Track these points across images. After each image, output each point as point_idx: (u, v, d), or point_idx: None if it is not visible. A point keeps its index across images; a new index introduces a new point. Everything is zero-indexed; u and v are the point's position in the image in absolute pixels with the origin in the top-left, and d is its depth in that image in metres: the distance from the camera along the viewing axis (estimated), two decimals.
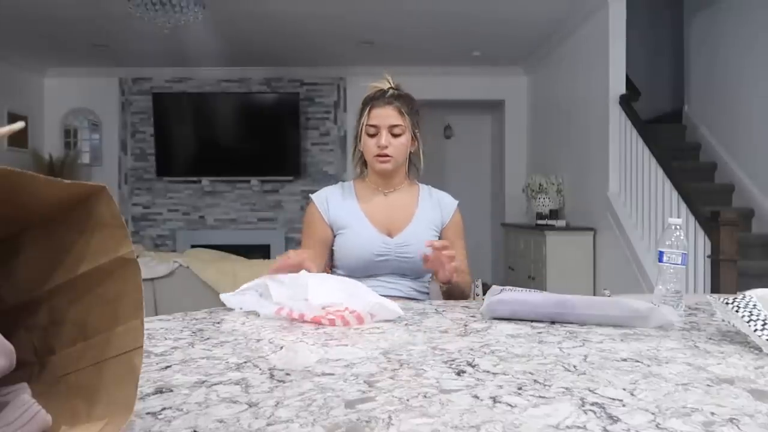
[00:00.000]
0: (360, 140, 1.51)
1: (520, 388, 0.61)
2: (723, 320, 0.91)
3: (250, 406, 0.56)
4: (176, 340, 0.86)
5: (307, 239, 1.51)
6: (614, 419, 0.52)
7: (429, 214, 1.53)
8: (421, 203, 1.54)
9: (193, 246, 5.69)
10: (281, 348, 0.81)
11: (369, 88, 1.53)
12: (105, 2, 4.16)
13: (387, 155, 1.45)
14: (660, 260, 1.14)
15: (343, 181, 1.63)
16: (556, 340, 0.85)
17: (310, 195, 1.56)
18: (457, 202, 1.58)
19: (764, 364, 0.73)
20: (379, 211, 1.50)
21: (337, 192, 1.54)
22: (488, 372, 0.68)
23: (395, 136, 1.46)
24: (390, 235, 1.47)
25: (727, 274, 2.84)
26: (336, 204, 1.51)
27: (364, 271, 1.45)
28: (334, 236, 1.50)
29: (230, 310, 1.12)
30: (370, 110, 1.47)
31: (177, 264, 3.36)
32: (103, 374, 0.46)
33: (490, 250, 6.67)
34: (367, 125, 1.46)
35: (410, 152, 1.53)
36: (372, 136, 1.46)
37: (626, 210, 3.94)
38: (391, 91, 1.50)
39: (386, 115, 1.45)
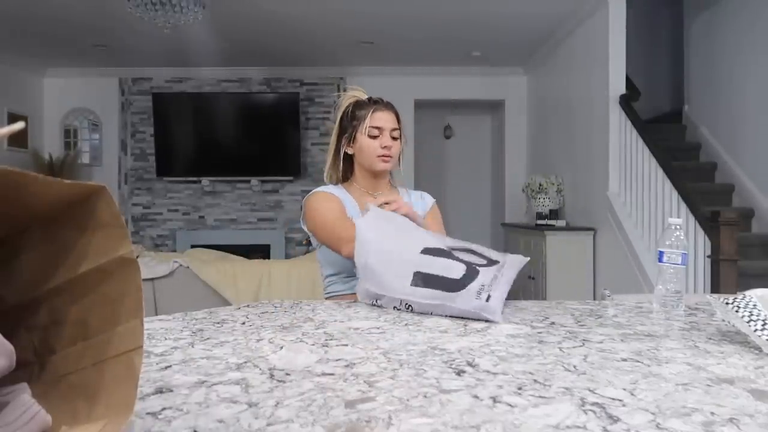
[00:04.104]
0: (349, 142, 1.55)
1: (520, 388, 0.61)
2: (723, 320, 0.91)
3: (250, 406, 0.56)
4: (176, 340, 0.86)
5: (343, 213, 1.47)
6: (614, 419, 0.52)
7: None
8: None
9: (193, 246, 5.70)
10: (281, 348, 0.81)
11: (347, 97, 1.59)
12: (105, 2, 4.16)
13: (390, 155, 1.53)
14: (660, 260, 1.14)
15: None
16: (556, 340, 0.85)
17: (314, 190, 1.55)
18: (434, 200, 1.70)
19: (764, 364, 0.73)
20: None
21: (336, 190, 1.57)
22: (488, 372, 0.68)
23: (394, 139, 1.54)
24: None
25: (727, 274, 2.84)
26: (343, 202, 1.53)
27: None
28: None
29: (230, 310, 1.12)
30: (373, 113, 1.53)
31: (177, 264, 3.36)
32: (104, 374, 0.46)
33: None
34: (370, 127, 1.51)
35: None
36: (374, 137, 1.52)
37: (626, 210, 3.94)
38: (381, 99, 1.59)
39: (388, 119, 1.54)
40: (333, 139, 1.59)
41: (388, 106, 1.56)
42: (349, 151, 1.57)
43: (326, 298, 1.51)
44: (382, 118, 1.52)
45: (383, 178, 1.60)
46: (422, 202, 1.65)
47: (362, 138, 1.52)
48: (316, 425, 0.51)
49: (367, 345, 0.82)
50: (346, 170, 1.61)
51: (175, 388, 0.62)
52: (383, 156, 1.52)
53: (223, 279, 3.35)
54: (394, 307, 1.11)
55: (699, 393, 0.60)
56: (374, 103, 1.55)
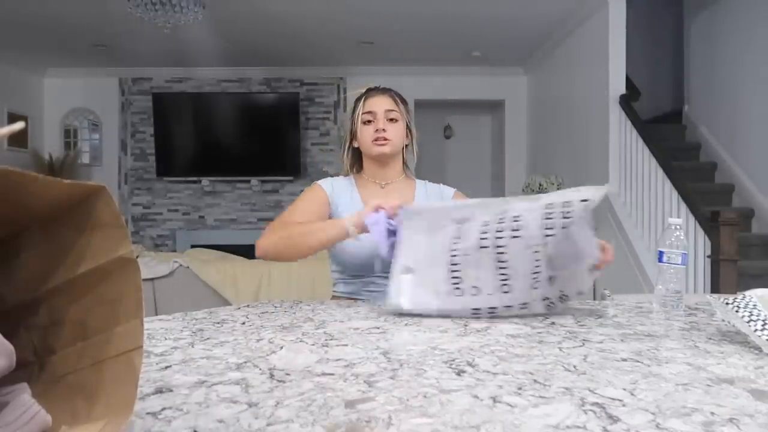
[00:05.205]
0: (354, 136, 1.52)
1: (520, 388, 0.61)
2: (723, 320, 0.91)
3: (250, 406, 0.56)
4: (176, 340, 0.86)
5: (304, 211, 1.42)
6: (614, 419, 0.52)
7: None
8: (417, 198, 1.54)
9: (193, 246, 5.69)
10: (281, 348, 0.81)
11: (354, 95, 1.56)
12: (105, 2, 4.16)
13: (385, 138, 1.46)
14: (660, 260, 1.14)
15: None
16: (556, 340, 0.85)
17: (316, 182, 1.54)
18: (454, 189, 1.58)
19: (764, 364, 0.73)
20: None
21: (342, 183, 1.53)
22: (488, 372, 0.68)
23: (391, 121, 1.48)
24: None
25: (727, 274, 2.84)
26: (341, 195, 1.50)
27: (363, 267, 1.44)
28: None
29: (230, 310, 1.12)
30: (365, 100, 1.50)
31: (177, 264, 3.36)
32: (103, 374, 0.46)
33: None
34: (363, 113, 1.48)
35: (404, 145, 1.54)
36: (368, 123, 1.48)
37: (626, 210, 3.94)
38: (378, 86, 1.54)
39: (381, 103, 1.49)
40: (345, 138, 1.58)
41: (383, 91, 1.52)
42: (355, 145, 1.54)
43: (333, 295, 1.51)
44: (375, 103, 1.48)
45: (390, 166, 1.53)
46: (440, 196, 1.56)
47: (359, 127, 1.49)
48: (316, 425, 0.51)
49: (367, 345, 0.82)
50: (356, 164, 1.58)
51: (175, 388, 0.62)
52: (377, 139, 1.46)
53: (223, 279, 3.35)
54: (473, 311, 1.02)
55: (699, 393, 0.60)
56: (368, 90, 1.53)
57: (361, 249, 1.41)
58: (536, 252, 0.98)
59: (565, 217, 0.98)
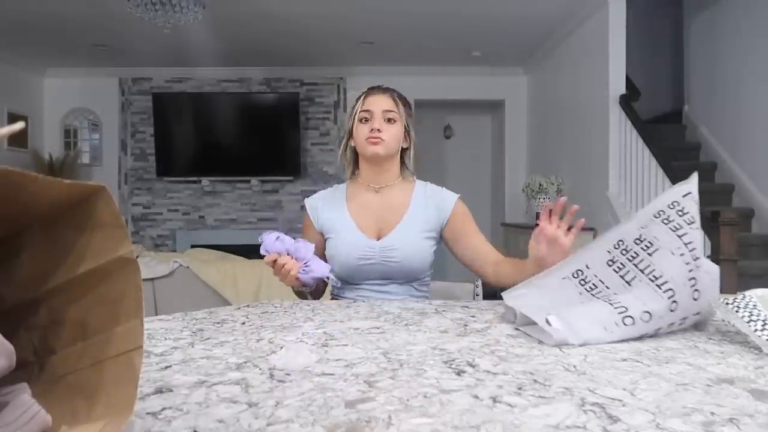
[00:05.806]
0: (352, 134, 1.48)
1: (520, 388, 0.61)
2: (723, 320, 0.91)
3: (250, 406, 0.56)
4: (176, 340, 0.86)
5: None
6: (614, 419, 0.52)
7: (421, 216, 1.45)
8: (414, 203, 1.47)
9: (193, 246, 5.69)
10: (281, 348, 0.81)
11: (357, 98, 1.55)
12: (105, 2, 4.16)
13: (379, 138, 1.40)
14: None
15: (343, 181, 1.60)
16: None
17: (305, 199, 1.56)
18: (457, 195, 1.49)
19: (764, 364, 0.73)
20: (368, 213, 1.46)
21: (328, 196, 1.52)
22: (488, 372, 0.68)
23: (389, 122, 1.44)
24: (379, 237, 1.44)
25: (727, 274, 2.83)
26: (325, 209, 1.49)
27: (353, 277, 1.44)
28: (326, 241, 1.49)
29: (230, 310, 1.12)
30: (364, 98, 1.46)
31: (177, 264, 3.36)
32: (103, 374, 0.46)
33: None
34: (360, 111, 1.44)
35: (402, 148, 1.49)
36: (365, 122, 1.44)
37: (626, 210, 3.94)
38: (380, 85, 1.52)
39: (380, 102, 1.44)
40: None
41: (383, 90, 1.47)
42: (352, 144, 1.49)
43: (332, 297, 1.51)
44: (374, 102, 1.44)
45: (385, 168, 1.47)
46: (440, 199, 1.48)
47: (356, 125, 1.45)
48: (316, 425, 0.51)
49: (367, 345, 0.82)
50: (355, 165, 1.54)
51: (175, 388, 0.62)
52: (371, 138, 1.40)
53: (223, 279, 3.35)
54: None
55: (699, 393, 0.60)
56: (370, 89, 1.49)
57: (348, 258, 1.42)
58: (681, 255, 0.88)
59: (681, 213, 0.89)
